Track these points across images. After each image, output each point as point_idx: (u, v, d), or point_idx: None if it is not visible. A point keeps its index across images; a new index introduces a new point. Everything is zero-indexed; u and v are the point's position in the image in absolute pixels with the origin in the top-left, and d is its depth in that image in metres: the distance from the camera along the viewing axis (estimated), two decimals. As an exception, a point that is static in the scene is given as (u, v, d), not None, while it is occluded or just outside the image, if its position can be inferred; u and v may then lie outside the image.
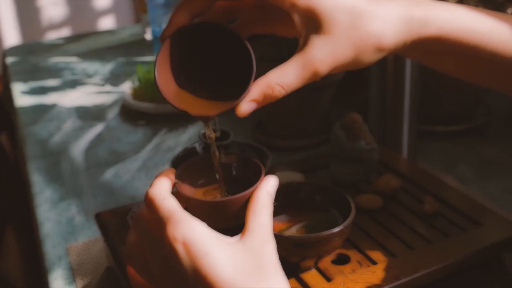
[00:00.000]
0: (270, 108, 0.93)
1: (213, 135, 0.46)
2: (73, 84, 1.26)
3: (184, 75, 0.45)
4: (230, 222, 0.45)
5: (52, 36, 2.93)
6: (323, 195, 0.54)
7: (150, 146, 0.96)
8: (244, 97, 0.41)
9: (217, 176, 0.48)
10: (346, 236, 0.51)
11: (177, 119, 1.03)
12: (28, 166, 0.91)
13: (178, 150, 0.93)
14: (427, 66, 0.47)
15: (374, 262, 0.54)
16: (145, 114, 1.06)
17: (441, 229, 0.58)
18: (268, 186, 0.44)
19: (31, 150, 0.97)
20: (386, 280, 0.51)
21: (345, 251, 0.55)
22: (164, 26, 1.24)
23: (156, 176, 0.44)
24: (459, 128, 0.91)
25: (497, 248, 0.56)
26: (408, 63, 0.76)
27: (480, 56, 0.43)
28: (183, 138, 0.97)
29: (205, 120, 0.45)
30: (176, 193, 0.44)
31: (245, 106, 0.41)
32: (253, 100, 0.41)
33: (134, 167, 0.89)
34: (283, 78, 0.41)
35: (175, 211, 0.40)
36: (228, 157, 0.49)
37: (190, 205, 0.45)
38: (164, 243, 0.39)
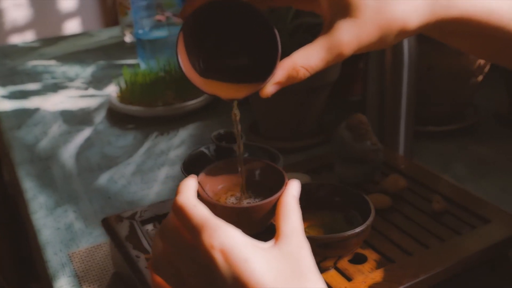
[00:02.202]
0: (264, 109, 0.93)
1: (238, 115, 0.45)
2: (55, 87, 1.23)
3: (205, 58, 0.44)
4: (256, 228, 0.45)
5: (16, 39, 2.85)
6: (341, 196, 0.54)
7: (142, 150, 0.94)
8: (270, 79, 0.41)
9: (239, 169, 0.47)
10: (366, 236, 0.52)
11: (167, 122, 1.02)
12: (17, 171, 0.89)
13: (172, 154, 0.92)
14: (443, 42, 0.48)
15: (391, 261, 0.54)
16: (133, 117, 1.04)
17: (452, 226, 0.59)
18: (293, 190, 0.44)
19: (18, 156, 0.94)
20: (406, 278, 0.51)
21: (361, 251, 0.55)
22: (147, 28, 1.23)
23: (180, 183, 0.43)
24: (450, 128, 0.93)
25: (507, 243, 0.57)
26: (406, 65, 0.78)
27: (498, 36, 0.44)
28: (175, 142, 0.96)
29: (232, 101, 0.45)
30: (200, 199, 0.43)
31: (270, 88, 0.42)
32: (278, 83, 0.42)
33: (128, 171, 0.88)
34: (308, 61, 0.41)
35: (209, 218, 0.39)
36: (247, 162, 0.49)
37: (216, 212, 0.44)
38: (200, 251, 0.38)
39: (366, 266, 0.53)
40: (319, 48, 0.41)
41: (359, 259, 0.54)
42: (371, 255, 0.55)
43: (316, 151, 0.90)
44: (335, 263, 0.53)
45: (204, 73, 0.44)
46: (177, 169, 0.87)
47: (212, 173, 0.48)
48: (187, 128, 1.01)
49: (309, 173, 0.69)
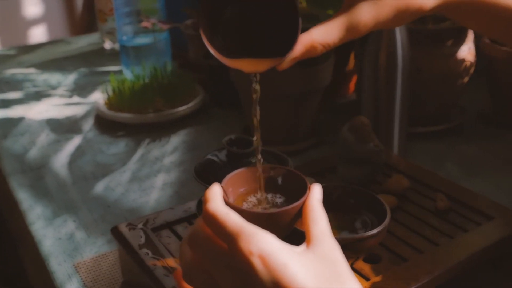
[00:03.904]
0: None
1: (258, 92, 0.46)
2: (37, 96, 1.21)
3: (225, 35, 0.45)
4: (282, 233, 0.45)
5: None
6: (356, 198, 0.55)
7: (135, 157, 0.94)
8: (290, 54, 0.42)
9: (258, 160, 0.48)
10: (383, 236, 0.53)
11: (158, 129, 1.02)
12: (9, 182, 0.87)
13: (166, 160, 0.92)
14: (454, 19, 0.50)
15: (404, 259, 0.55)
16: (123, 124, 1.03)
17: (458, 224, 0.61)
18: (317, 194, 0.45)
19: (8, 166, 0.92)
20: (422, 275, 0.53)
21: (374, 250, 0.56)
22: (129, 35, 1.22)
23: (207, 192, 0.43)
24: (438, 128, 0.95)
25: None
26: (399, 67, 0.80)
27: (506, 16, 0.46)
28: (168, 148, 0.96)
29: (254, 74, 0.45)
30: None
31: (287, 63, 0.43)
32: (295, 58, 0.43)
33: (124, 179, 0.87)
34: (326, 38, 0.43)
35: (243, 225, 0.39)
36: (266, 169, 0.49)
37: (244, 218, 0.44)
38: (237, 258, 0.38)
39: (381, 265, 0.55)
40: (338, 26, 0.43)
41: (373, 259, 0.56)
42: (385, 254, 0.56)
43: (311, 154, 0.91)
44: (352, 264, 0.54)
45: (225, 50, 0.44)
46: (174, 175, 0.87)
47: (233, 180, 0.48)
48: (178, 134, 1.01)
49: (313, 175, 0.70)
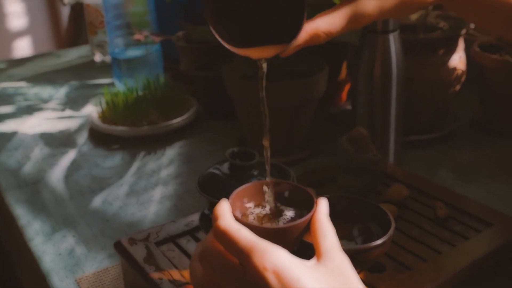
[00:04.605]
0: (252, 125, 0.94)
1: (265, 66, 0.47)
2: (29, 110, 1.20)
3: (231, 25, 0.45)
4: (290, 247, 0.46)
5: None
6: (360, 208, 0.56)
7: (132, 170, 0.94)
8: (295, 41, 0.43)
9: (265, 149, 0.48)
10: (388, 247, 0.53)
11: (153, 142, 1.02)
12: (5, 198, 0.87)
13: (163, 173, 0.92)
14: (455, 12, 0.51)
15: (408, 268, 0.56)
16: (117, 137, 1.03)
17: (458, 231, 0.62)
18: (324, 208, 0.46)
19: (3, 181, 0.92)
20: (426, 283, 0.54)
21: (378, 260, 0.57)
22: (121, 48, 1.22)
23: (216, 208, 0.43)
24: (431, 136, 0.96)
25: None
26: (394, 77, 0.81)
27: (506, 10, 0.46)
28: (164, 161, 0.96)
29: (261, 60, 0.46)
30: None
31: (291, 49, 0.44)
32: (298, 45, 0.44)
33: (122, 193, 0.87)
34: (330, 28, 0.43)
35: (256, 241, 0.40)
36: (272, 184, 0.50)
37: (254, 233, 0.44)
38: (251, 274, 0.39)
39: (386, 275, 0.55)
40: (343, 16, 0.43)
41: (377, 268, 0.56)
42: (389, 263, 0.57)
43: (307, 164, 0.91)
44: (358, 273, 0.54)
45: (232, 38, 0.45)
46: (171, 188, 0.87)
47: (239, 195, 0.49)
48: (173, 147, 1.01)
49: (313, 185, 0.71)
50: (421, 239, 0.61)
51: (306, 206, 0.46)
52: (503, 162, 0.91)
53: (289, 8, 0.44)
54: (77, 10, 2.33)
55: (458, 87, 0.95)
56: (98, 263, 0.71)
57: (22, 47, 2.91)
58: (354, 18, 0.43)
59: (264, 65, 0.47)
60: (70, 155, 1.00)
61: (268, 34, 0.45)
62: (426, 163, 0.91)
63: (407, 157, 0.92)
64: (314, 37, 0.43)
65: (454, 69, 0.93)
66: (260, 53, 0.45)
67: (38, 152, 1.02)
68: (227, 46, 0.44)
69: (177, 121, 1.04)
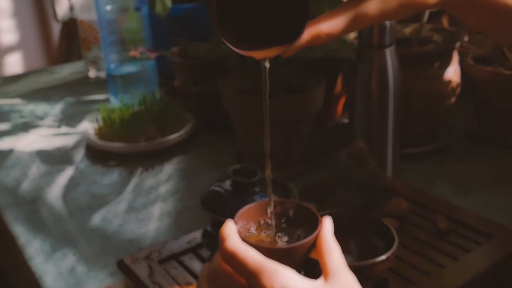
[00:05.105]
0: (249, 140, 0.95)
1: (268, 65, 0.47)
2: (25, 127, 1.20)
3: (235, 26, 0.45)
4: (296, 266, 0.46)
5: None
6: (363, 223, 0.56)
7: (130, 187, 0.94)
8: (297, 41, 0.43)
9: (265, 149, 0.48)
10: (391, 262, 0.54)
11: (150, 158, 1.02)
12: (4, 217, 0.86)
13: (162, 189, 0.92)
14: (455, 15, 0.51)
15: (412, 283, 0.57)
16: (115, 154, 1.03)
17: (460, 244, 0.62)
18: (329, 226, 0.46)
19: (1, 199, 0.91)
20: (430, 297, 0.54)
21: (382, 275, 0.57)
22: (116, 64, 1.23)
23: (222, 229, 0.44)
24: (427, 149, 0.97)
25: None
26: (391, 91, 0.82)
27: (505, 14, 0.46)
28: (162, 177, 0.96)
29: (264, 60, 0.46)
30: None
31: (293, 50, 0.44)
32: (301, 45, 0.44)
33: (121, 210, 0.87)
34: (332, 29, 0.44)
35: (264, 262, 0.40)
36: (276, 204, 0.50)
37: (260, 253, 0.44)
38: None
39: (390, 289, 0.56)
40: (345, 17, 0.44)
41: (382, 284, 0.57)
42: (392, 278, 0.57)
43: (305, 178, 0.92)
44: (362, 289, 0.55)
45: (236, 40, 0.45)
46: (170, 204, 0.88)
47: (244, 215, 0.49)
48: (171, 162, 1.01)
49: (312, 200, 0.71)
50: (423, 252, 0.61)
51: (310, 224, 0.47)
52: (499, 173, 0.91)
53: (293, 8, 0.44)
54: (70, 26, 2.33)
55: (453, 99, 0.96)
56: (99, 281, 0.70)
57: (13, 63, 2.89)
58: (356, 20, 0.44)
59: (267, 65, 0.47)
60: (67, 172, 1.00)
61: (271, 34, 0.46)
62: (422, 175, 0.92)
63: (404, 169, 0.93)
64: (316, 38, 0.44)
65: (449, 81, 0.94)
66: (263, 53, 0.45)
67: (35, 169, 1.02)
68: (230, 46, 0.45)
69: (174, 136, 1.05)
